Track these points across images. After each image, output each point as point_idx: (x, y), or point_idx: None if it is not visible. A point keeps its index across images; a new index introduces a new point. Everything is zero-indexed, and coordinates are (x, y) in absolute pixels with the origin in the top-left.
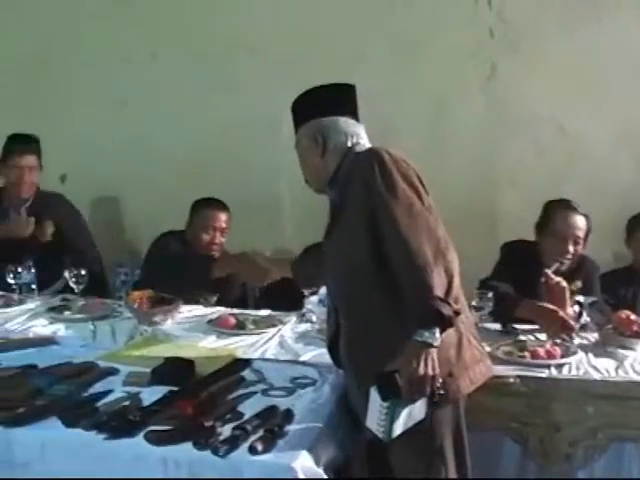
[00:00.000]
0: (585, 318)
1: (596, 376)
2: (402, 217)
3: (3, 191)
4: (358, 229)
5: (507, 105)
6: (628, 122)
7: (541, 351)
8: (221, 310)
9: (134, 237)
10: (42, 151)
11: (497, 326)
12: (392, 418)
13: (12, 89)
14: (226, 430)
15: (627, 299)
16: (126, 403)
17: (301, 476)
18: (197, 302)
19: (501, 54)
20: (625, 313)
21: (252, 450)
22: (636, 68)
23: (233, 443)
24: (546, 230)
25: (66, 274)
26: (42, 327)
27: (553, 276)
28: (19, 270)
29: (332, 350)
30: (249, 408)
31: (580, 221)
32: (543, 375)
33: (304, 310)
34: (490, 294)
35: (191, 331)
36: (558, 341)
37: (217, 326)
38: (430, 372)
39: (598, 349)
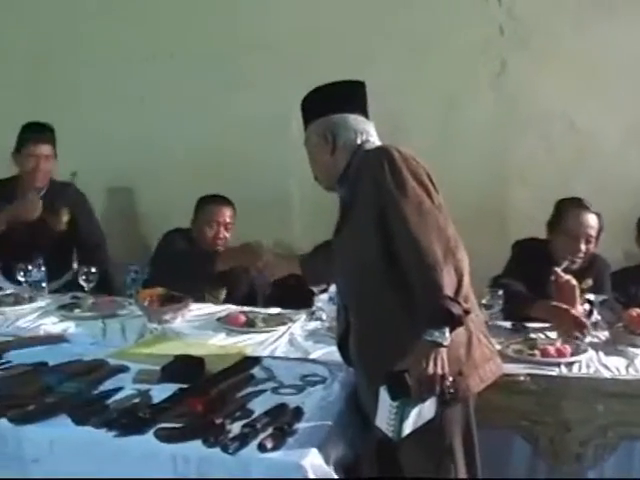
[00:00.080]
0: (596, 316)
1: (606, 374)
2: (412, 215)
3: (18, 180)
4: (368, 227)
5: (517, 102)
6: (639, 119)
7: (551, 349)
8: (231, 308)
9: (145, 234)
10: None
11: (507, 324)
12: (402, 417)
13: (23, 86)
14: (235, 428)
15: (638, 297)
16: (136, 400)
17: (310, 474)
18: (205, 298)
19: (511, 51)
20: (636, 311)
21: (261, 448)
22: None
23: (242, 441)
24: (558, 228)
25: (75, 265)
26: (52, 325)
27: (563, 274)
28: (29, 268)
29: (342, 348)
30: (259, 406)
31: (592, 220)
32: (553, 373)
33: (314, 308)
34: (500, 292)
35: (201, 329)
36: (572, 340)
37: (227, 324)
38: (440, 371)
39: (608, 347)
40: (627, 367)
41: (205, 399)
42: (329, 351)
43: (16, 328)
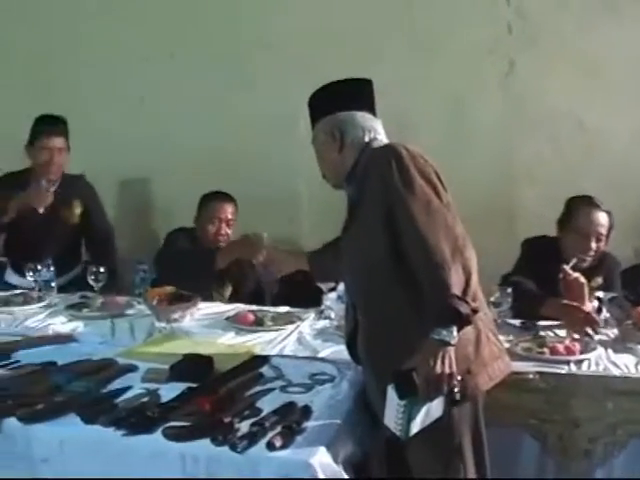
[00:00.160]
0: (605, 314)
1: (615, 372)
2: (420, 214)
3: (30, 173)
4: (376, 225)
5: (525, 101)
6: None
7: (560, 347)
8: (239, 307)
9: (156, 231)
10: None
11: (517, 322)
12: (409, 416)
13: (26, 84)
14: (244, 426)
15: None
16: (145, 399)
17: (319, 472)
18: (212, 296)
19: (519, 50)
20: None
21: (270, 446)
22: None
23: (251, 439)
24: (568, 226)
25: (84, 258)
26: (61, 324)
27: (571, 272)
28: (38, 267)
29: (350, 346)
30: (267, 404)
31: (603, 218)
32: (562, 371)
33: (322, 307)
34: (509, 290)
35: (210, 328)
36: (583, 337)
37: (236, 323)
38: (447, 370)
39: (618, 345)
40: (636, 365)
41: (214, 398)
42: (338, 350)
43: (25, 328)
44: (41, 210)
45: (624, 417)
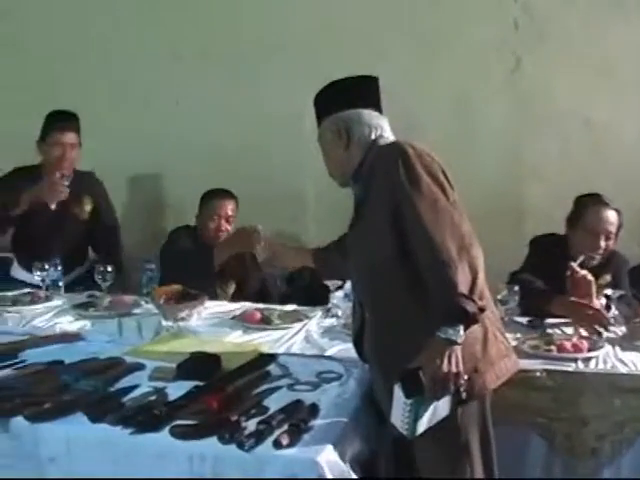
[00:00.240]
0: (613, 312)
1: (623, 370)
2: (426, 213)
3: (41, 168)
4: (382, 224)
5: (532, 98)
6: None
7: (568, 345)
8: (246, 305)
9: (164, 228)
10: None
11: (524, 320)
12: (416, 415)
13: (38, 85)
14: (251, 424)
15: None
16: (152, 398)
17: (326, 470)
18: (214, 293)
19: (526, 46)
20: None
21: (277, 444)
22: None
23: (258, 437)
24: (577, 225)
25: (91, 253)
26: (68, 324)
27: (579, 269)
28: (46, 267)
29: (358, 344)
30: (274, 403)
31: (612, 216)
32: (570, 369)
33: (330, 305)
34: (517, 288)
35: (217, 326)
36: (593, 335)
37: (243, 321)
38: (454, 369)
39: (625, 342)
40: None
41: (221, 396)
42: (345, 348)
43: (32, 327)
44: (53, 206)
45: (631, 415)
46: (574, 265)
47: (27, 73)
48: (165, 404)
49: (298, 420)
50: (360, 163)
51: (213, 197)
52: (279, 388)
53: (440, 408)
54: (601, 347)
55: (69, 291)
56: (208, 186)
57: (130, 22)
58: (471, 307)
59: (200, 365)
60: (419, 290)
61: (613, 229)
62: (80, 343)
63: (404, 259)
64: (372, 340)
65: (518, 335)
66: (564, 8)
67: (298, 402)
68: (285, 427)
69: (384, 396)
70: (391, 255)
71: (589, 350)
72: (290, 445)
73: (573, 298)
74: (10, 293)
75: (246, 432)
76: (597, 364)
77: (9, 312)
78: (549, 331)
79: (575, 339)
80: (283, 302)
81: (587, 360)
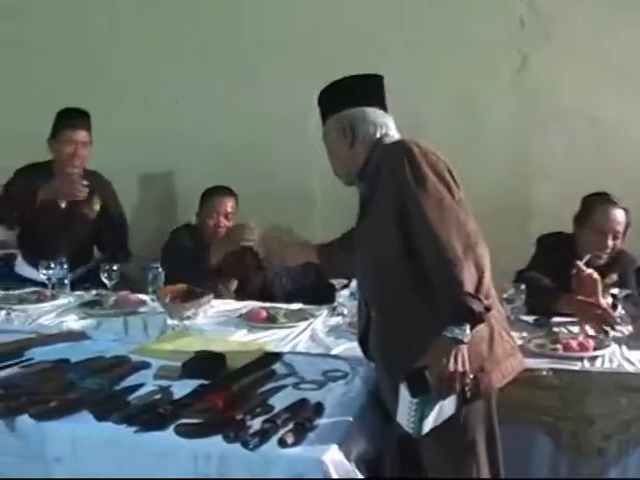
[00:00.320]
0: (619, 311)
1: (629, 369)
2: (432, 211)
3: (52, 165)
4: (388, 222)
5: (538, 97)
6: None
7: (574, 343)
8: (252, 304)
9: (158, 234)
10: None
11: (530, 318)
12: (421, 414)
13: (49, 84)
14: (256, 423)
15: None
16: (157, 397)
17: (331, 469)
18: (217, 291)
19: (532, 45)
20: None
21: (282, 443)
22: None
23: (263, 436)
24: (585, 224)
25: (96, 252)
26: (74, 322)
27: (584, 268)
28: (52, 265)
29: (363, 343)
30: (279, 401)
31: (620, 215)
32: (576, 368)
33: (335, 303)
34: (523, 286)
35: (223, 325)
36: (599, 334)
37: (248, 320)
38: (460, 369)
39: (632, 341)
40: None
41: (226, 395)
42: (350, 347)
43: (38, 325)
44: (63, 205)
45: (638, 414)
46: (580, 264)
47: (27, 73)
48: (170, 403)
49: (303, 419)
50: (365, 161)
51: (213, 194)
52: (284, 387)
53: (446, 407)
54: (607, 346)
55: (73, 289)
56: (222, 184)
57: (130, 22)
58: (477, 306)
59: (205, 364)
60: (425, 289)
61: (621, 228)
62: (86, 342)
63: (410, 258)
64: (378, 339)
65: (524, 334)
66: (570, 6)
67: (303, 401)
68: (290, 426)
69: (390, 395)
70: (397, 254)
71: (595, 349)
72: (295, 444)
73: (579, 297)
74: (16, 292)
75: (251, 431)
76: (603, 363)
77: (15, 310)
78: (555, 330)
79: (581, 338)
80: (289, 300)
81: (593, 359)
